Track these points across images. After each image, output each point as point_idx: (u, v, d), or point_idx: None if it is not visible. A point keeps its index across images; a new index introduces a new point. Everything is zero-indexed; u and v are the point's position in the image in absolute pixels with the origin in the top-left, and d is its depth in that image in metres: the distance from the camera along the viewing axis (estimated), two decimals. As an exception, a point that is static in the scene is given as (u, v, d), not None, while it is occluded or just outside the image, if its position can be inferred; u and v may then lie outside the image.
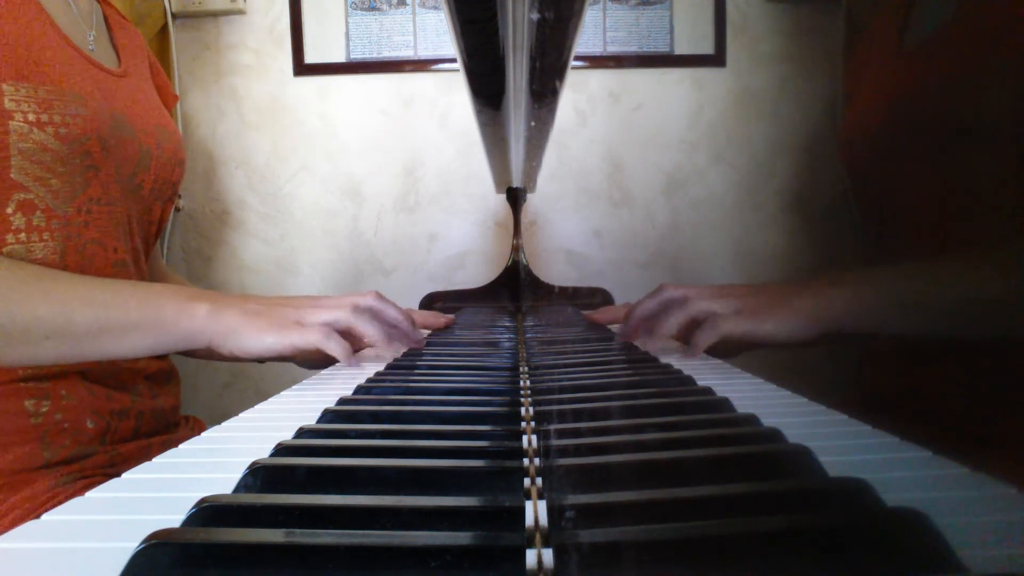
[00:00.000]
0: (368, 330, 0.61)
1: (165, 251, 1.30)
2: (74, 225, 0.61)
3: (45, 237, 0.59)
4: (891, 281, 0.56)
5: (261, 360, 0.62)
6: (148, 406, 0.69)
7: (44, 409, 0.59)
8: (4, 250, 0.57)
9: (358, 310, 0.62)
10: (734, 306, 0.58)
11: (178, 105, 1.23)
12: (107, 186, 0.64)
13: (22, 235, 0.57)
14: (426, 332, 0.72)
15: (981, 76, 0.56)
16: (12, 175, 0.55)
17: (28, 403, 0.59)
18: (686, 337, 0.59)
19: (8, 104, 0.54)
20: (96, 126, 0.61)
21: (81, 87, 0.61)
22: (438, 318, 0.80)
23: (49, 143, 0.56)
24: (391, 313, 0.64)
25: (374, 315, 0.63)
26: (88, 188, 0.62)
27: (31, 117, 0.55)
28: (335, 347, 0.59)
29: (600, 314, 0.81)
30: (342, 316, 0.61)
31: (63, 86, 0.58)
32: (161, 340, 0.57)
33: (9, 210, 0.56)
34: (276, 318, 0.59)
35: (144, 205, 0.73)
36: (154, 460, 0.33)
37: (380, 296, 0.65)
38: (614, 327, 0.79)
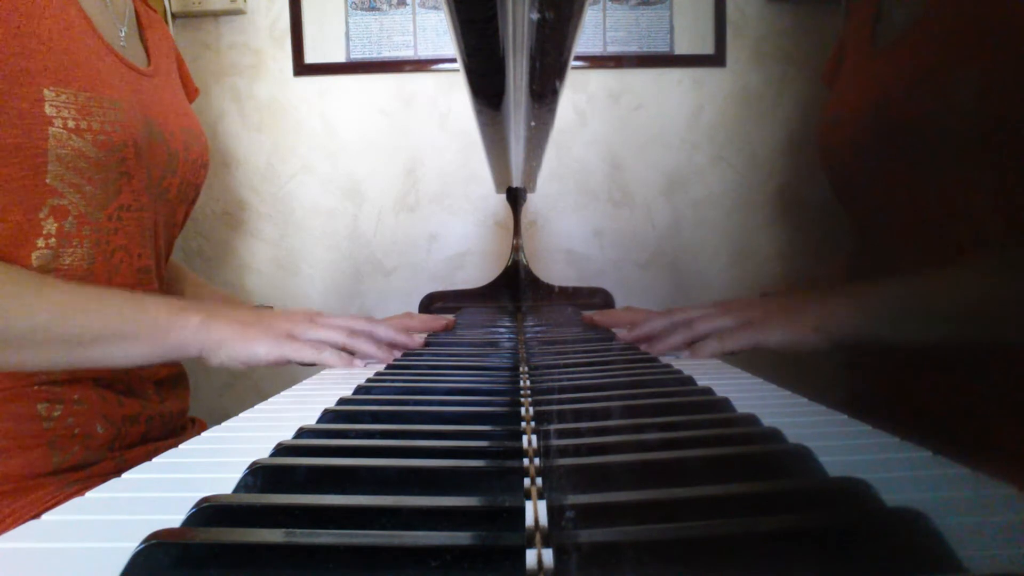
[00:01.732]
0: (366, 348, 0.62)
1: (165, 251, 1.30)
2: (104, 232, 0.61)
3: (75, 243, 0.59)
4: (890, 293, 0.57)
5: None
6: (157, 411, 0.69)
7: (56, 413, 0.59)
8: (33, 255, 0.57)
9: (353, 333, 0.62)
10: (738, 322, 0.59)
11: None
12: (138, 193, 0.64)
13: (52, 240, 0.57)
14: (423, 336, 0.72)
15: (949, 76, 0.56)
16: (47, 180, 0.55)
17: (41, 407, 0.58)
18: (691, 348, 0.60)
19: (48, 110, 0.54)
20: (132, 132, 0.61)
21: (118, 92, 0.60)
22: (437, 321, 0.80)
23: (87, 150, 0.56)
24: (384, 333, 0.65)
25: (369, 337, 0.64)
26: (120, 195, 0.62)
27: (71, 124, 0.55)
28: (330, 357, 0.60)
29: (601, 318, 0.81)
30: (337, 337, 0.61)
31: (102, 91, 0.58)
32: (154, 350, 0.58)
33: (42, 215, 0.56)
34: (268, 329, 0.59)
35: (170, 208, 0.73)
36: (154, 460, 0.33)
37: (372, 320, 0.66)
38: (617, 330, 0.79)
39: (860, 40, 0.73)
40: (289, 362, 0.60)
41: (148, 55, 0.73)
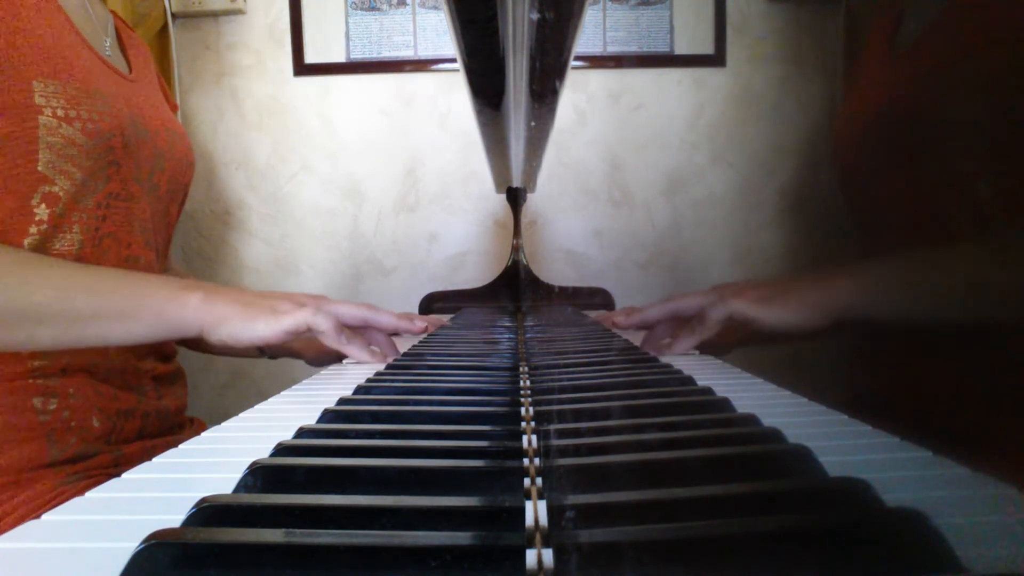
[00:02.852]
0: (358, 354, 0.62)
1: (165, 251, 1.30)
2: (93, 219, 0.62)
3: (65, 229, 0.60)
4: (897, 270, 0.57)
5: (259, 352, 0.62)
6: (153, 407, 0.70)
7: (52, 407, 0.60)
8: (26, 241, 0.57)
9: (351, 336, 0.62)
10: (740, 289, 0.59)
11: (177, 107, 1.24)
12: (126, 182, 0.65)
13: (44, 227, 0.58)
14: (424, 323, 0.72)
15: (965, 78, 0.56)
16: (39, 168, 0.57)
17: (36, 400, 0.59)
18: (694, 321, 0.60)
19: (38, 100, 0.55)
20: (119, 124, 0.62)
21: (105, 87, 0.62)
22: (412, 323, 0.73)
23: (76, 138, 0.58)
24: (386, 320, 0.65)
25: (367, 323, 0.64)
26: (109, 183, 0.63)
27: (60, 112, 0.56)
28: (322, 321, 0.58)
29: (609, 317, 0.82)
30: (330, 339, 0.60)
31: (89, 84, 0.60)
32: (154, 328, 0.57)
33: (34, 202, 0.57)
34: (268, 307, 0.59)
35: (162, 206, 0.74)
36: (154, 460, 0.33)
37: (372, 307, 0.66)
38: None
39: (880, 43, 0.73)
40: (290, 336, 0.58)
41: (129, 66, 0.75)
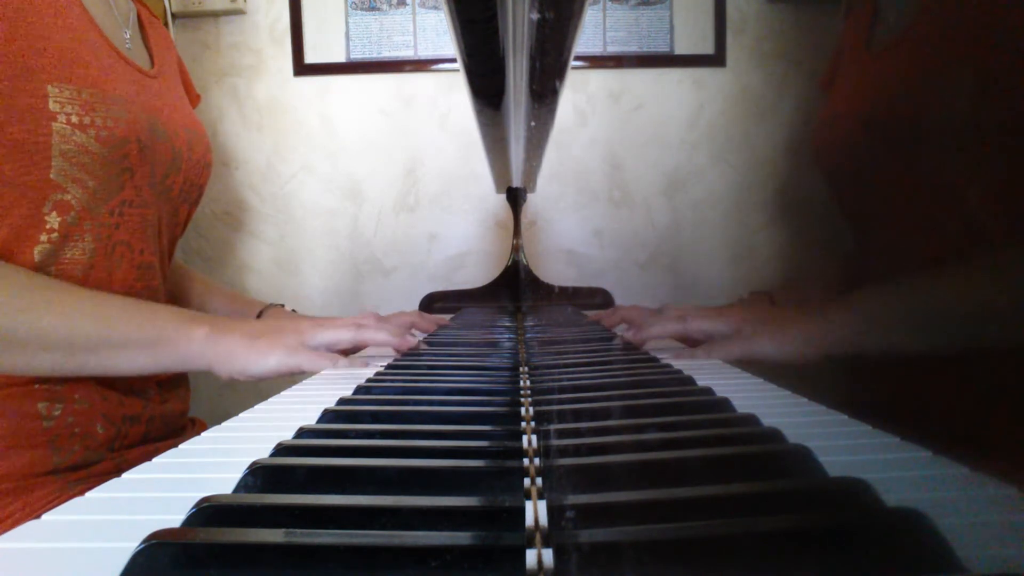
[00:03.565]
0: (378, 337, 0.63)
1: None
2: (105, 227, 0.61)
3: (76, 238, 0.59)
4: (885, 304, 0.57)
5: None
6: (158, 411, 0.69)
7: (57, 412, 0.59)
8: (36, 249, 0.57)
9: (361, 327, 0.63)
10: (729, 330, 0.59)
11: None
12: (140, 189, 0.64)
13: (55, 235, 0.58)
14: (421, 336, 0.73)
15: (942, 78, 0.56)
16: (51, 176, 0.56)
17: (41, 406, 0.58)
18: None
19: (52, 106, 0.54)
20: (135, 130, 0.61)
21: (122, 90, 0.61)
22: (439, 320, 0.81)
23: (90, 145, 0.57)
24: (386, 336, 0.65)
25: (377, 325, 0.64)
26: (123, 191, 0.62)
27: (74, 119, 0.55)
28: (345, 365, 0.60)
29: (607, 317, 0.83)
30: (347, 335, 0.62)
31: (105, 89, 0.58)
32: (159, 360, 0.58)
33: (45, 210, 0.57)
34: (279, 339, 0.59)
35: (172, 207, 0.73)
36: (154, 460, 0.33)
37: (378, 316, 0.66)
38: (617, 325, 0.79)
39: (856, 44, 0.74)
40: (302, 372, 0.60)
41: (151, 57, 0.74)
